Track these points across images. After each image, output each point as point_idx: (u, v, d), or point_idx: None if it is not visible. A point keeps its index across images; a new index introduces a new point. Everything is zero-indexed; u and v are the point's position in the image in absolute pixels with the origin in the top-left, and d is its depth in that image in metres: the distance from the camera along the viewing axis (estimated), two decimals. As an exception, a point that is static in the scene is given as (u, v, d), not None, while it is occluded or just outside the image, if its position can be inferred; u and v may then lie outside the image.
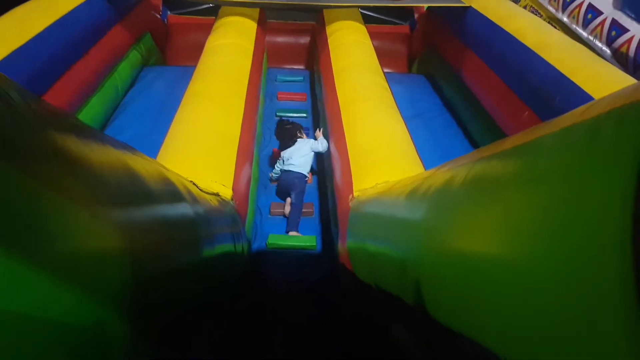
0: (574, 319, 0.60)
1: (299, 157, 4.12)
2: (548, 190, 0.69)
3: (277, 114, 5.30)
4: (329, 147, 4.10)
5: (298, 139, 4.25)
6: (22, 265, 0.45)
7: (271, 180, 4.34)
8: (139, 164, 0.98)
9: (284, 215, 3.95)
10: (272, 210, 4.00)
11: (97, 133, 0.80)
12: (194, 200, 1.51)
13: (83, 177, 0.62)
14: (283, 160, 4.17)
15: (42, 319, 0.48)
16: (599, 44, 4.93)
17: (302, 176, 4.05)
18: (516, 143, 0.84)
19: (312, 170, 4.31)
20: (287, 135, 4.29)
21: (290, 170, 4.06)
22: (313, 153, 4.19)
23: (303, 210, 3.95)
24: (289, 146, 4.20)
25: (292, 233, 3.81)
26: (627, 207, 0.52)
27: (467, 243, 0.92)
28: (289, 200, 4.00)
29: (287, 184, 4.02)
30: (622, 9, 4.74)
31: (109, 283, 0.64)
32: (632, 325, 0.50)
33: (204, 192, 2.15)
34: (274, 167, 4.32)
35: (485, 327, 0.83)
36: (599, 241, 0.56)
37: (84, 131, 0.70)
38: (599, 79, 3.40)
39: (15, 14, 3.89)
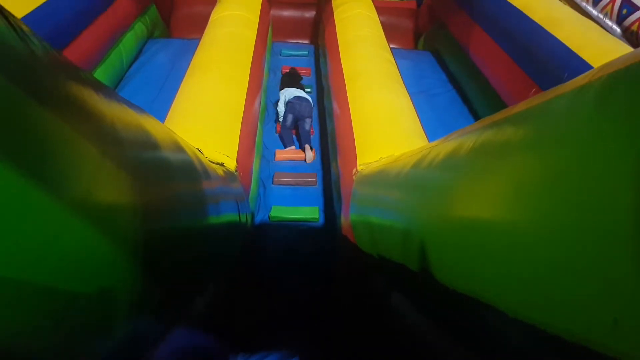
0: (581, 279, 0.60)
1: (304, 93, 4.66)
2: (558, 152, 0.69)
3: (281, 87, 5.27)
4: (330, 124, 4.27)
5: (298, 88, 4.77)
6: (37, 189, 0.46)
7: (277, 121, 4.69)
8: (151, 125, 0.98)
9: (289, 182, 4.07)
10: (275, 179, 4.03)
11: (112, 92, 0.80)
12: (202, 166, 1.51)
13: (96, 122, 0.62)
14: (286, 96, 4.58)
15: (55, 245, 0.49)
16: (609, 22, 4.85)
17: (311, 103, 4.58)
18: (528, 107, 0.83)
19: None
20: (295, 81, 4.85)
21: (304, 98, 4.54)
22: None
23: (306, 179, 4.07)
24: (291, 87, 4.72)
25: (307, 146, 4.32)
26: None
27: (475, 207, 0.92)
28: (292, 148, 4.39)
29: (304, 110, 4.48)
30: (634, -14, 4.64)
31: (121, 224, 0.65)
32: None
33: (210, 161, 2.16)
34: (278, 113, 4.67)
35: (493, 287, 0.84)
36: (609, 204, 0.56)
37: (100, 87, 0.71)
38: (608, 55, 3.35)
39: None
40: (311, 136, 4.53)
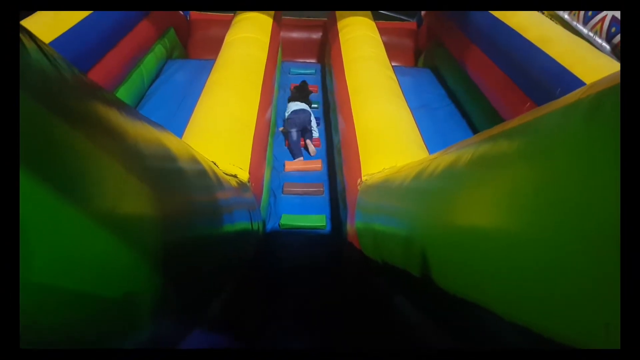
0: (574, 286, 0.60)
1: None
2: (551, 163, 0.69)
3: (290, 104, 5.30)
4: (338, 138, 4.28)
5: (305, 103, 4.81)
6: (68, 205, 0.47)
7: (282, 129, 4.80)
8: (170, 141, 1.00)
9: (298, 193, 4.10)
10: (285, 189, 4.05)
11: (134, 110, 0.82)
12: (217, 178, 1.53)
13: (120, 140, 0.63)
14: (286, 113, 4.72)
15: (85, 254, 0.50)
16: (599, 40, 4.84)
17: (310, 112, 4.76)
18: (522, 121, 0.83)
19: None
20: (303, 94, 4.95)
21: (303, 109, 4.68)
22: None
23: (313, 189, 4.11)
24: (297, 100, 4.83)
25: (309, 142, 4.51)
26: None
27: (473, 215, 0.92)
28: (301, 159, 4.47)
29: (302, 119, 4.57)
30: (621, 6, 4.63)
31: (143, 234, 0.66)
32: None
33: (224, 173, 2.17)
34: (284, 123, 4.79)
35: (491, 292, 0.84)
36: (599, 213, 0.56)
37: (123, 106, 0.72)
38: (598, 71, 3.35)
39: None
40: (317, 148, 4.65)
